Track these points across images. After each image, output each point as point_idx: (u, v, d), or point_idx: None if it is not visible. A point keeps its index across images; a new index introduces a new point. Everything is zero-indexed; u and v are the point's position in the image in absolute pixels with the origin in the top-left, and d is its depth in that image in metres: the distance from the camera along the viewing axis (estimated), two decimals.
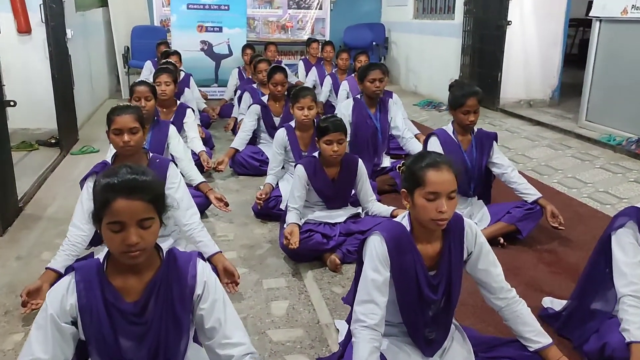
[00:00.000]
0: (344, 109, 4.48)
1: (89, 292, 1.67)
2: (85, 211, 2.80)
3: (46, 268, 2.73)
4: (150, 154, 2.96)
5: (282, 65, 8.12)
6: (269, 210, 3.87)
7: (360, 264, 2.14)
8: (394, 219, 2.12)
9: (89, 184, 2.83)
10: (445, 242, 2.04)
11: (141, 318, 1.70)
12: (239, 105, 6.11)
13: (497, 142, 3.60)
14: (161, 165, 2.93)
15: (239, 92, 6.55)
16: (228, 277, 2.81)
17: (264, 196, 3.80)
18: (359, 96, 4.55)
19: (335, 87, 6.64)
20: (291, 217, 3.24)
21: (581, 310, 2.43)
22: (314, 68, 7.61)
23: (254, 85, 5.96)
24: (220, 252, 2.88)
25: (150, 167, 2.86)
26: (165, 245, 2.95)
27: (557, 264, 3.20)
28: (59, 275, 2.70)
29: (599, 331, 2.25)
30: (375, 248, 1.99)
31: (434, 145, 3.44)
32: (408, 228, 2.03)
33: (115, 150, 3.74)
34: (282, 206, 3.87)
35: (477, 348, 2.11)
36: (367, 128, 4.45)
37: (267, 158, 4.88)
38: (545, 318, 2.65)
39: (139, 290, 1.70)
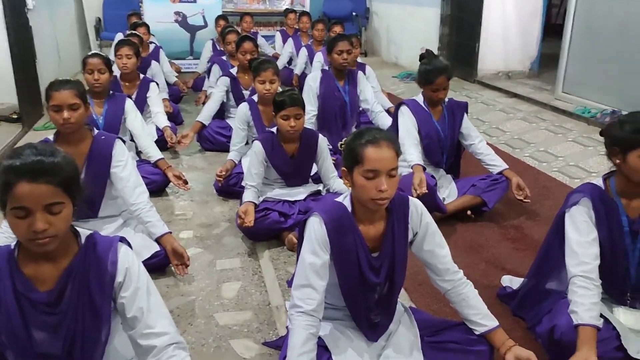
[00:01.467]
0: (312, 81, 4.34)
1: None
2: None
3: None
4: (96, 131, 2.82)
5: (259, 36, 7.94)
6: (230, 187, 3.75)
7: (301, 246, 2.04)
8: (335, 199, 2.01)
9: None
10: (389, 223, 1.94)
11: (56, 308, 1.60)
12: (209, 78, 5.93)
13: (467, 112, 3.49)
14: (106, 143, 2.79)
15: (208, 65, 6.37)
16: (177, 258, 2.70)
17: (224, 173, 3.68)
18: (327, 68, 4.40)
19: (312, 59, 6.45)
20: (247, 195, 3.12)
21: (536, 289, 2.36)
22: (290, 39, 7.42)
23: (224, 57, 5.78)
24: (170, 232, 2.78)
25: (95, 145, 2.74)
26: (114, 225, 2.87)
27: (522, 240, 3.12)
28: None
29: (551, 312, 2.18)
30: (314, 230, 1.89)
31: (405, 114, 3.33)
32: (349, 208, 1.93)
33: None
34: (244, 183, 3.76)
35: (424, 332, 2.03)
36: (335, 101, 4.31)
37: None
38: (503, 297, 2.59)
39: (53, 278, 1.59)
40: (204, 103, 6.09)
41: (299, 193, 3.28)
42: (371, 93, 4.43)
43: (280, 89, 3.59)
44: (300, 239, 2.03)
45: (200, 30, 8.55)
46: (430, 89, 3.25)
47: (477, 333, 1.93)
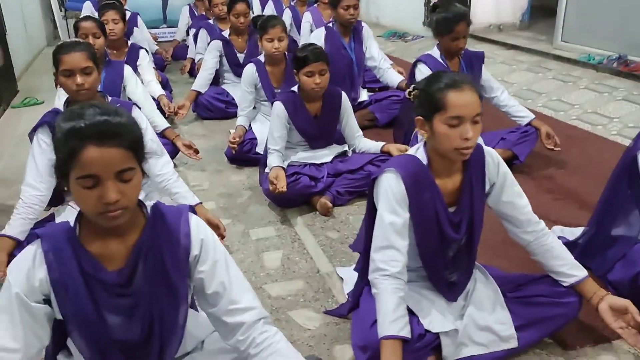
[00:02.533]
0: (315, 40, 4.10)
1: (61, 263, 1.36)
2: (40, 168, 2.43)
3: (0, 235, 2.37)
4: (109, 98, 2.58)
5: None
6: (244, 154, 3.54)
7: (371, 206, 1.88)
8: (407, 153, 1.85)
9: (41, 136, 2.46)
10: (466, 175, 1.81)
11: (128, 289, 1.41)
12: (195, 45, 5.62)
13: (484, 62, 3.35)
14: (125, 109, 2.55)
15: (192, 30, 6.05)
16: (212, 230, 2.51)
17: (237, 139, 3.47)
18: (330, 25, 4.18)
19: (296, 21, 6.18)
20: (274, 160, 2.93)
21: (601, 237, 2.26)
22: (270, 1, 7.10)
23: (210, 21, 5.48)
24: (201, 203, 2.59)
25: None
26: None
27: (558, 191, 3.03)
28: (17, 243, 2.37)
29: (626, 258, 2.10)
30: (391, 187, 1.73)
31: (424, 72, 3.14)
32: (425, 162, 1.77)
33: (66, 96, 3.39)
34: (259, 150, 3.57)
35: (503, 287, 1.91)
36: (342, 59, 4.10)
37: (233, 99, 4.54)
38: None
39: (122, 256, 1.40)
40: (189, 72, 5.85)
41: (325, 155, 3.10)
42: (377, 49, 4.24)
43: None
44: (370, 199, 1.88)
45: None
46: (450, 38, 3.07)
47: (565, 285, 1.82)
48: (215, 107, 4.53)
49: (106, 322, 1.40)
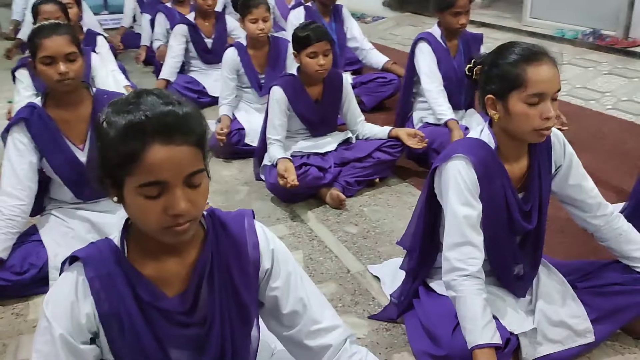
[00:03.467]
0: (295, 19, 3.85)
1: (111, 292, 1.09)
2: (18, 173, 2.10)
3: None
4: (94, 88, 2.25)
5: None
6: (233, 146, 3.26)
7: (429, 198, 1.69)
8: (470, 136, 1.66)
9: (16, 136, 2.13)
10: (533, 159, 1.64)
11: (192, 317, 1.16)
12: (152, 30, 5.21)
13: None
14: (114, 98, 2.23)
15: (145, 16, 5.61)
16: None
17: (225, 130, 3.18)
18: (309, 4, 3.93)
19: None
20: (277, 151, 2.68)
21: None
22: None
23: (167, 5, 5.08)
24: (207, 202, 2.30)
25: (98, 107, 2.18)
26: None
27: None
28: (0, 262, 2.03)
29: None
30: (462, 176, 1.54)
31: (426, 52, 2.98)
32: (493, 145, 1.59)
33: (30, 90, 2.99)
34: (247, 140, 3.30)
35: (570, 277, 1.77)
36: None
37: (205, 88, 4.23)
38: None
39: (182, 277, 1.15)
40: (144, 61, 5.43)
41: (328, 143, 2.88)
42: (359, 30, 4.03)
43: None
44: (429, 189, 1.68)
45: None
46: (451, 14, 2.90)
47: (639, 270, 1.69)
48: (186, 98, 4.14)
49: (169, 359, 1.14)
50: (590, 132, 3.31)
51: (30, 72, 2.98)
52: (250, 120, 3.38)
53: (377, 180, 2.87)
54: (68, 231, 2.23)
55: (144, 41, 5.51)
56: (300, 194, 2.71)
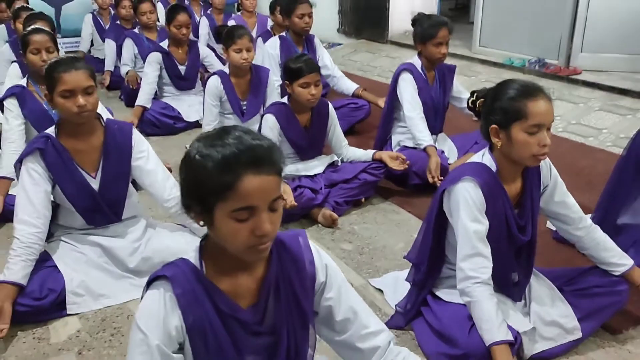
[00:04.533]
0: (271, 49, 4.04)
1: (196, 306, 1.23)
2: (34, 201, 2.16)
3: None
4: (104, 118, 2.34)
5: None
6: None
7: (438, 216, 1.90)
8: (472, 160, 1.89)
9: (31, 165, 2.20)
10: (527, 179, 1.89)
11: (262, 326, 1.31)
12: (119, 56, 5.27)
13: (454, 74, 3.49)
14: (123, 132, 2.34)
15: (109, 41, 5.64)
16: None
17: None
18: (284, 34, 4.12)
19: (214, 30, 6.00)
20: None
21: (606, 226, 2.45)
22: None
23: (135, 30, 5.15)
24: None
25: (110, 136, 2.31)
26: (139, 228, 2.44)
27: None
28: (20, 289, 2.08)
29: (638, 243, 2.30)
30: (471, 196, 1.76)
31: (408, 82, 3.21)
32: (494, 168, 1.83)
33: (30, 118, 2.99)
34: None
35: (557, 282, 2.02)
36: None
37: (180, 113, 4.34)
38: (561, 239, 2.65)
39: (252, 291, 1.30)
40: (108, 87, 5.46)
41: (316, 166, 3.06)
42: (329, 58, 4.25)
43: None
44: (438, 208, 1.89)
45: (67, 4, 7.54)
46: (433, 44, 3.17)
47: (616, 274, 1.96)
48: (162, 123, 4.26)
49: None
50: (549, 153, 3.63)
51: (20, 101, 3.02)
52: None
53: (363, 199, 3.08)
54: (80, 256, 2.30)
55: (108, 66, 5.56)
56: (294, 215, 2.87)
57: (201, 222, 1.21)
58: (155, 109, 4.26)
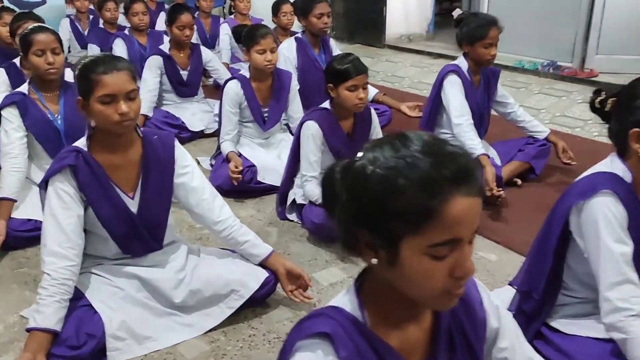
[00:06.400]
0: (287, 51, 3.74)
1: None
2: (65, 228, 1.81)
3: (28, 329, 1.71)
4: (141, 129, 1.99)
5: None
6: (245, 185, 3.04)
7: (561, 235, 1.64)
8: (605, 171, 1.63)
9: (60, 186, 1.85)
10: None
11: None
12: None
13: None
14: (164, 144, 2.01)
15: (93, 47, 5.25)
16: (293, 281, 2.07)
17: (240, 169, 2.98)
18: (299, 35, 3.82)
19: (202, 34, 5.67)
20: (320, 190, 2.52)
21: None
22: (162, 14, 6.44)
23: (126, 32, 4.76)
24: (274, 251, 2.11)
25: (149, 150, 1.98)
26: (180, 255, 2.09)
27: None
28: (54, 336, 1.71)
29: None
30: (613, 212, 1.51)
31: (456, 85, 2.96)
32: (628, 179, 1.57)
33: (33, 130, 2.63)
34: (260, 178, 3.11)
35: None
36: (316, 73, 3.75)
37: (184, 122, 3.97)
38: None
39: (423, 344, 1.01)
40: None
41: None
42: None
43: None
44: (557, 227, 1.62)
45: (38, 8, 7.03)
46: (483, 45, 2.92)
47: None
48: (166, 133, 3.88)
49: None
50: (590, 158, 3.45)
51: (21, 111, 2.63)
52: (257, 157, 3.20)
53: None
54: (116, 291, 1.94)
55: None
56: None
57: (374, 260, 0.91)
58: (157, 117, 3.90)
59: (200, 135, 4.00)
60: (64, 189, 1.82)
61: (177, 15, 3.87)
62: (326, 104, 2.68)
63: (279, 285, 2.09)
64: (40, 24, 2.77)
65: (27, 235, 2.52)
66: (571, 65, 4.79)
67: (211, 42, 5.61)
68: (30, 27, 2.68)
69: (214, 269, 2.05)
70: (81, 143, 1.89)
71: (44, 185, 1.85)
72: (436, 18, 6.91)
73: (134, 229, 1.94)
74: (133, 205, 1.93)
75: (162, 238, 2.03)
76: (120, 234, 1.93)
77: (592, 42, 4.68)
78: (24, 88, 2.71)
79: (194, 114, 4.08)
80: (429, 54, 5.91)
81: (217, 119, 4.08)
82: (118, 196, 1.90)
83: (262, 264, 2.06)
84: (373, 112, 2.79)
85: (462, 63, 3.03)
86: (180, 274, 2.01)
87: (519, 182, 3.14)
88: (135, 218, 1.93)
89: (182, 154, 2.04)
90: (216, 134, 3.96)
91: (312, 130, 2.59)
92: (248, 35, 3.14)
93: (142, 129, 1.99)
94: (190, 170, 2.04)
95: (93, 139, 1.89)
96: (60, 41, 2.69)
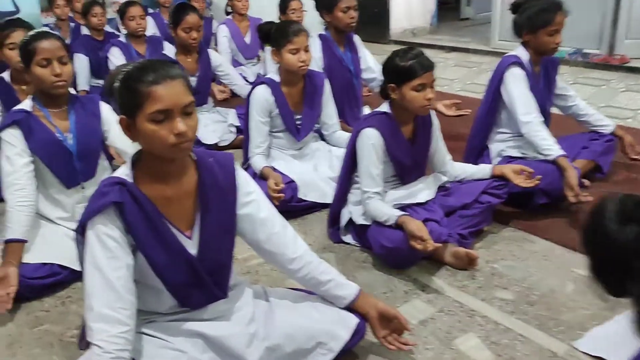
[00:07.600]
0: (312, 50, 3.35)
1: None
2: (115, 283, 1.42)
3: None
4: (195, 154, 1.60)
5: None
6: (285, 204, 2.64)
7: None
8: None
9: (102, 229, 1.43)
10: None
11: None
12: (93, 72, 4.50)
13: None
14: (223, 165, 1.62)
15: (80, 56, 4.78)
16: (388, 324, 1.69)
17: (280, 186, 2.60)
18: (323, 32, 3.45)
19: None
20: (389, 209, 2.18)
21: None
22: (149, 17, 5.99)
23: (121, 39, 4.33)
24: (361, 290, 1.74)
25: (205, 175, 1.57)
26: (245, 301, 1.70)
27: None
28: None
29: None
30: None
31: (519, 78, 2.63)
32: None
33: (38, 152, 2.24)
34: (301, 195, 2.73)
35: None
36: (343, 73, 3.41)
37: (197, 136, 3.53)
38: None
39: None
40: None
41: (422, 190, 2.40)
42: (373, 59, 3.62)
43: None
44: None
45: (10, 17, 6.52)
46: (547, 32, 2.60)
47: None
48: None
49: None
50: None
51: (24, 132, 2.22)
52: (295, 171, 2.81)
53: (485, 228, 2.46)
54: (178, 355, 1.54)
55: (82, 85, 4.64)
56: (415, 257, 2.21)
57: None
58: None
59: (214, 148, 3.60)
60: (108, 234, 1.42)
61: (182, 17, 3.48)
62: (385, 107, 2.32)
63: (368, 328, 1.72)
64: (44, 30, 2.35)
65: (42, 283, 2.13)
66: (599, 52, 4.51)
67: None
68: (31, 33, 2.25)
69: (292, 317, 1.66)
70: (123, 173, 1.49)
71: (80, 229, 1.45)
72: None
73: (195, 275, 1.55)
74: (192, 247, 1.54)
75: (227, 284, 1.64)
76: (178, 283, 1.54)
77: (621, 27, 4.40)
78: (26, 105, 2.29)
79: (206, 125, 3.68)
80: (441, 47, 5.60)
81: (232, 129, 3.73)
82: (174, 237, 1.51)
83: (351, 308, 1.69)
84: (433, 113, 2.44)
85: (522, 53, 2.70)
86: (252, 326, 1.63)
87: (587, 182, 2.81)
88: (195, 262, 1.54)
89: (244, 178, 1.65)
90: (232, 146, 3.59)
91: (372, 140, 2.23)
92: (279, 33, 2.77)
93: (197, 150, 1.60)
94: (255, 197, 1.65)
95: (138, 166, 1.50)
96: (67, 48, 2.28)
